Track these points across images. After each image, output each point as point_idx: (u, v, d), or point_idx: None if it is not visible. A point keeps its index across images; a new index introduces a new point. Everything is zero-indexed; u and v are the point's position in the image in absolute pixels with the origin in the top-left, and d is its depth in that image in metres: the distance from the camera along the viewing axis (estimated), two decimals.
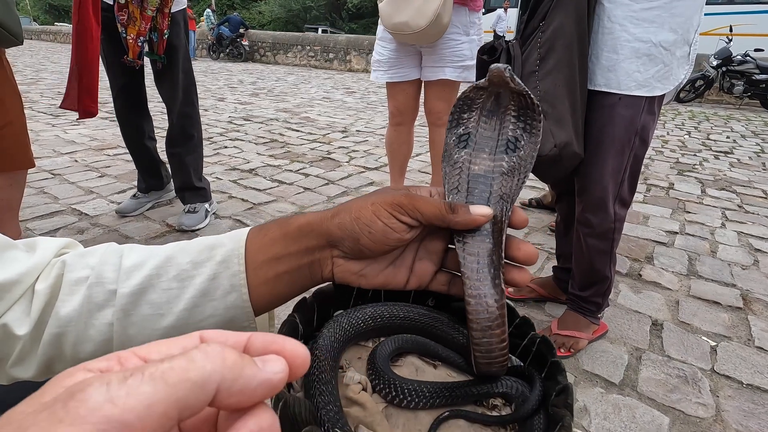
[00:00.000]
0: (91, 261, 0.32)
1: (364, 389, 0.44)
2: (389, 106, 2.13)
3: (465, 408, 0.43)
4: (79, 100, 1.56)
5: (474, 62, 1.94)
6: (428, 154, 2.88)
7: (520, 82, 0.33)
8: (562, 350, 1.29)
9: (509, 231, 0.37)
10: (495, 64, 0.33)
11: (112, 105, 1.95)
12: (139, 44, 1.68)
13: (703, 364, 1.26)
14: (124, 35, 1.66)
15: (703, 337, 1.38)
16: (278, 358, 0.15)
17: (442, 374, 0.49)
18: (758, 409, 1.11)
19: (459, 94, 0.37)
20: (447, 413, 0.42)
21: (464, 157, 0.36)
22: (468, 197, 0.35)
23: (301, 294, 0.39)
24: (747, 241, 2.09)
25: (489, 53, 1.17)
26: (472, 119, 0.37)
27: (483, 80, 0.35)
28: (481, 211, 0.33)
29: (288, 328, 0.42)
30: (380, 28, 1.95)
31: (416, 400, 0.42)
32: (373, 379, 0.45)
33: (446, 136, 0.38)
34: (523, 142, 0.36)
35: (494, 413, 0.43)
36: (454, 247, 0.36)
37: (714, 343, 1.35)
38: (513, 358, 0.48)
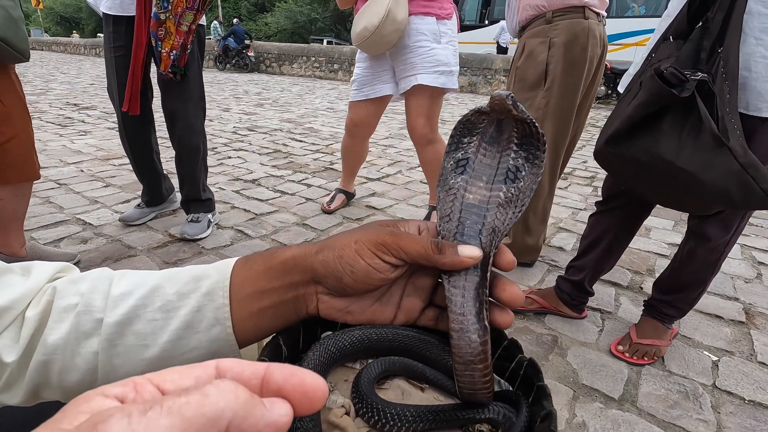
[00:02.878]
0: (81, 287, 0.32)
1: (347, 413, 0.44)
2: (347, 118, 2.21)
3: None
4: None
5: (454, 69, 1.94)
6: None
7: (524, 109, 0.32)
8: (645, 358, 1.30)
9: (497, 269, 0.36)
10: (497, 91, 0.32)
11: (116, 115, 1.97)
12: (171, 57, 1.74)
13: (704, 379, 1.25)
14: (159, 49, 1.73)
15: (704, 352, 1.37)
16: (284, 402, 0.16)
17: (430, 397, 0.48)
18: (760, 426, 1.10)
19: (461, 117, 0.36)
20: None
21: (460, 183, 0.35)
22: (458, 227, 0.34)
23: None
24: (750, 254, 2.08)
25: (675, 86, 0.96)
26: (472, 144, 0.35)
27: (485, 105, 0.33)
28: (469, 252, 0.32)
29: (270, 350, 0.42)
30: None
31: (399, 424, 0.42)
32: (357, 403, 0.44)
33: (444, 159, 0.37)
34: (523, 173, 0.34)
35: None
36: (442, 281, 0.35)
37: (716, 358, 1.34)
38: (502, 381, 0.48)
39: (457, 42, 1.97)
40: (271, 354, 0.43)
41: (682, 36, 1.03)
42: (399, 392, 0.48)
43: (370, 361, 0.51)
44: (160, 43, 1.72)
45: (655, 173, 1.03)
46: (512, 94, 0.31)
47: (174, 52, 1.74)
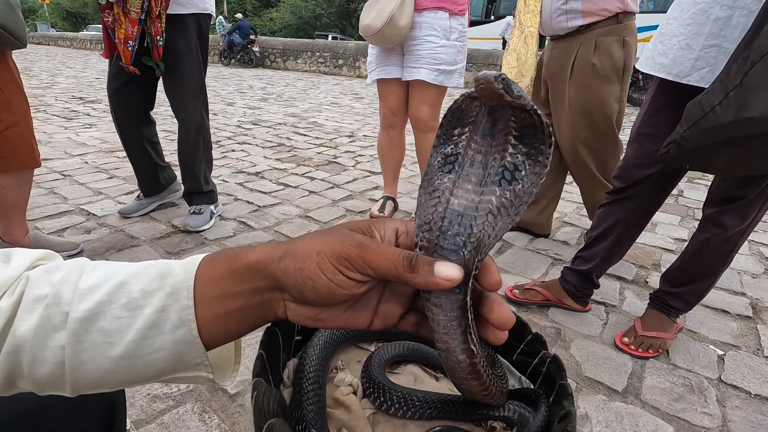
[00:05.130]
0: (54, 278, 0.31)
1: (354, 392, 0.43)
2: (381, 109, 2.16)
3: (461, 426, 0.40)
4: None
5: (455, 68, 1.95)
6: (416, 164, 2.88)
7: (521, 93, 0.27)
8: (650, 351, 1.29)
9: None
10: (483, 72, 0.26)
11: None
12: (129, 49, 1.63)
13: (709, 373, 1.24)
14: (113, 37, 1.63)
15: (710, 346, 1.35)
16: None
17: (443, 387, 0.46)
18: (766, 420, 1.08)
19: (451, 103, 0.32)
20: (438, 428, 0.40)
21: (446, 184, 0.30)
22: (439, 239, 0.29)
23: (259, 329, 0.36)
24: (758, 250, 2.05)
25: None
26: (463, 136, 0.30)
27: (473, 89, 0.28)
28: (447, 273, 0.27)
29: (283, 320, 0.42)
30: None
31: (404, 408, 0.40)
32: (365, 383, 0.43)
33: (431, 155, 0.32)
34: (523, 172, 0.29)
35: None
36: None
37: (721, 352, 1.32)
38: (523, 379, 0.46)
39: (467, 38, 1.97)
40: (283, 325, 0.42)
41: None
42: (411, 378, 0.47)
43: (383, 344, 0.49)
44: (112, 32, 1.60)
45: None
46: (504, 76, 0.26)
47: (130, 42, 1.61)
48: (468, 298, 0.29)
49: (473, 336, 0.30)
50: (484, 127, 0.29)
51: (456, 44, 1.91)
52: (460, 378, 0.32)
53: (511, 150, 0.29)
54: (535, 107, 0.28)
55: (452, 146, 0.31)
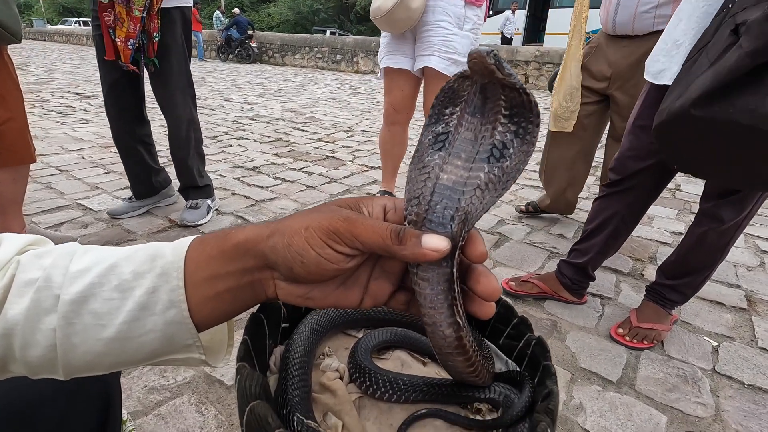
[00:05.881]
0: (45, 262, 0.31)
1: (341, 377, 0.44)
2: (385, 104, 2.12)
3: (446, 408, 0.41)
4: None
5: (465, 60, 1.90)
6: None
7: (511, 72, 0.28)
8: (645, 342, 1.29)
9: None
10: (475, 47, 0.26)
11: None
12: (130, 47, 1.62)
13: (704, 364, 1.24)
14: (113, 37, 1.62)
15: (704, 338, 1.36)
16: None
17: (431, 372, 0.47)
18: (759, 409, 1.09)
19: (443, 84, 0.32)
20: (423, 411, 0.40)
21: (436, 161, 0.30)
22: (428, 213, 0.30)
23: (250, 309, 0.36)
24: (754, 243, 2.06)
25: None
26: (454, 115, 0.31)
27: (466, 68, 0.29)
28: (434, 244, 0.28)
29: (270, 308, 0.42)
30: None
31: (390, 392, 0.41)
32: (351, 368, 0.44)
33: (422, 133, 0.32)
34: (511, 150, 0.30)
35: (478, 418, 0.42)
36: None
37: (716, 344, 1.33)
38: (510, 362, 0.46)
39: (480, 32, 1.91)
40: (271, 311, 0.42)
41: None
42: (399, 363, 0.47)
43: (370, 330, 0.50)
44: (113, 31, 1.60)
45: (747, 141, 0.84)
46: (496, 52, 0.27)
47: (131, 41, 1.61)
48: (454, 271, 0.29)
49: (459, 309, 0.30)
50: (475, 105, 0.30)
51: (469, 35, 1.85)
52: (447, 354, 0.32)
53: (500, 128, 0.30)
54: (524, 86, 0.28)
55: (443, 125, 0.31)
